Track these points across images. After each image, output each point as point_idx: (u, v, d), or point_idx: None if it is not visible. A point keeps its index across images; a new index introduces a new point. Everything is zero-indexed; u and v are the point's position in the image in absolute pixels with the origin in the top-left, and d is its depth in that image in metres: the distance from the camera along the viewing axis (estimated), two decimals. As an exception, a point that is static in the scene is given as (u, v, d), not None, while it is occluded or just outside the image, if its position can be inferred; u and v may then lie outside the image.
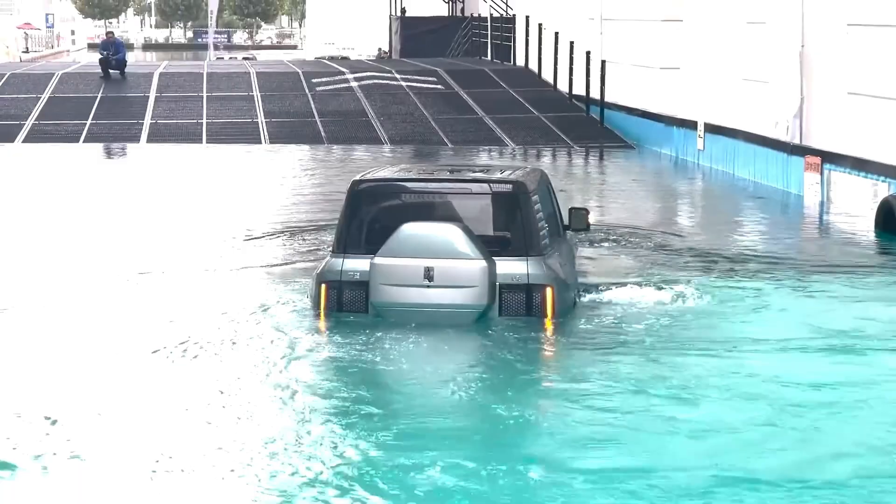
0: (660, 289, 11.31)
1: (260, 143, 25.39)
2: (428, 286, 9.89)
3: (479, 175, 11.13)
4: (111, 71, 30.49)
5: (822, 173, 17.86)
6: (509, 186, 10.43)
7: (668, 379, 8.67)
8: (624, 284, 11.43)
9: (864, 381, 8.77)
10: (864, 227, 15.55)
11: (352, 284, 10.06)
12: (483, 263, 9.86)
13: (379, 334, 9.77)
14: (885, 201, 15.36)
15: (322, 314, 10.22)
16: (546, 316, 10.03)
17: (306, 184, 20.13)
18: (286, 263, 13.11)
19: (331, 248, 10.49)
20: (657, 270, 12.39)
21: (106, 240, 14.66)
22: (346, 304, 10.16)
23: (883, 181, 16.29)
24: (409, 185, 10.65)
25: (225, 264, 13.04)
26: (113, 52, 30.88)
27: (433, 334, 9.79)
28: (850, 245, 14.70)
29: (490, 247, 10.02)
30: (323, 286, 10.17)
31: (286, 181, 20.33)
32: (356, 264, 10.05)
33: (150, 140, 25.46)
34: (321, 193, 18.53)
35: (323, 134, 25.98)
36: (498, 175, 10.91)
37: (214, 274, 12.59)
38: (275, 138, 25.63)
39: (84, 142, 25.23)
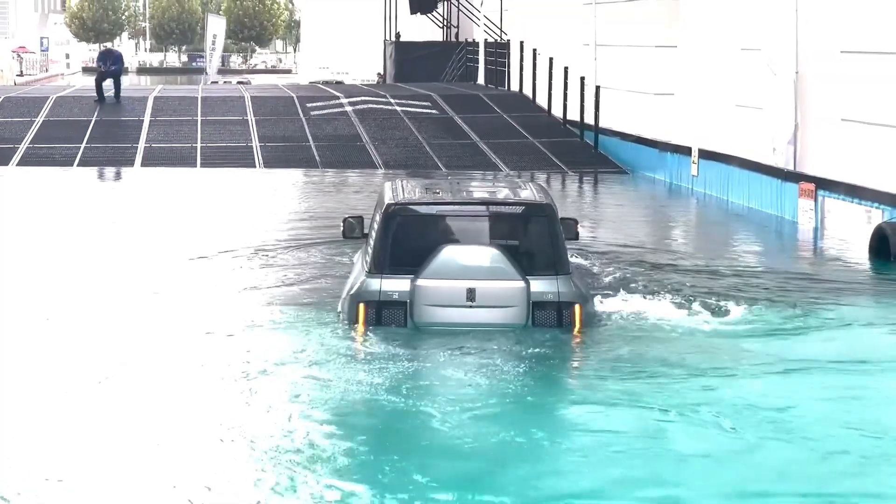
0: (660, 310, 11.54)
1: (254, 167, 25.38)
2: (470, 306, 10.41)
3: (508, 197, 11.54)
4: (106, 95, 30.40)
5: (816, 199, 17.89)
6: (538, 208, 11.02)
7: (694, 404, 8.80)
8: (629, 304, 11.68)
9: (870, 402, 8.97)
10: (858, 253, 15.56)
11: (391, 304, 10.50)
12: (522, 284, 10.43)
13: (413, 351, 10.02)
14: (879, 228, 15.38)
15: (360, 332, 10.56)
16: (574, 331, 10.59)
17: (302, 206, 20.14)
18: (292, 283, 13.23)
19: (366, 269, 10.78)
20: (654, 292, 12.45)
21: (106, 261, 14.73)
22: (385, 324, 10.54)
23: (877, 208, 16.31)
24: (441, 207, 11.11)
25: (233, 284, 13.19)
26: (111, 63, 30.91)
27: (467, 356, 9.95)
28: (844, 271, 14.71)
29: (521, 265, 10.51)
30: (361, 306, 10.56)
31: (281, 204, 20.32)
32: (394, 284, 10.51)
33: (144, 164, 25.43)
34: (316, 216, 18.53)
35: (317, 158, 25.98)
36: (526, 197, 11.40)
37: (226, 293, 12.72)
38: (269, 162, 25.62)
39: (78, 165, 25.20)
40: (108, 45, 32.20)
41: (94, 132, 27.54)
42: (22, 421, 8.58)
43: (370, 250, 10.91)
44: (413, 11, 42.05)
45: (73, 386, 9.40)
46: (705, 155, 22.23)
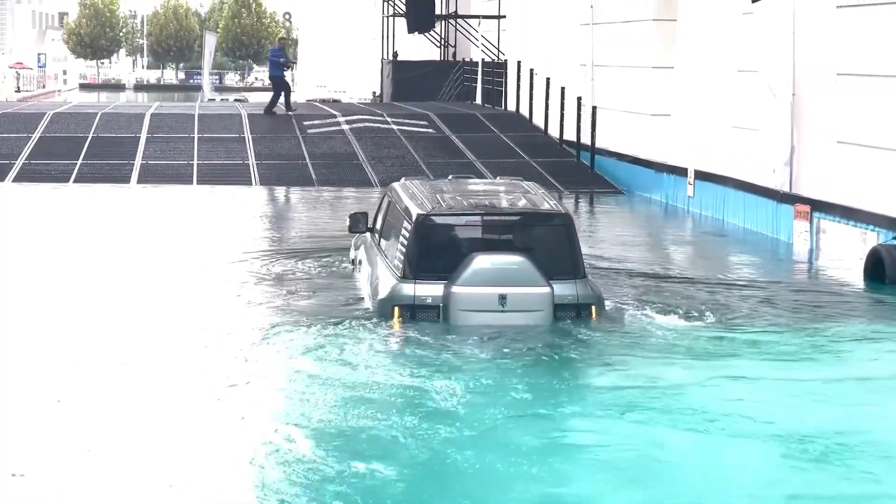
0: (654, 326, 11.88)
1: (251, 184, 25.40)
2: (501, 311, 11.28)
3: (530, 207, 12.32)
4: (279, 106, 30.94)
5: (811, 221, 17.91)
6: (559, 217, 12.06)
7: (692, 416, 9.05)
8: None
9: (862, 417, 9.20)
10: (853, 275, 15.58)
11: (424, 308, 11.40)
12: (548, 289, 11.34)
13: (441, 352, 10.62)
14: (875, 250, 15.40)
15: (396, 330, 11.38)
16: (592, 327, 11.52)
17: (299, 222, 20.20)
18: (304, 290, 13.56)
19: (399, 275, 11.62)
20: (647, 308, 12.67)
21: (105, 271, 14.89)
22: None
23: (872, 230, 16.34)
24: (470, 217, 12.00)
25: (242, 291, 13.53)
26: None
27: (489, 359, 10.44)
28: (838, 292, 14.73)
29: (544, 270, 11.36)
30: (396, 309, 11.45)
31: (279, 219, 20.37)
32: (427, 289, 11.42)
33: (140, 181, 25.43)
34: (314, 231, 18.59)
35: (313, 176, 26.00)
36: (543, 206, 12.27)
37: (236, 300, 13.03)
38: (265, 180, 25.64)
39: (74, 182, 25.20)
40: (283, 37, 31.50)
41: (91, 149, 27.53)
42: (21, 420, 8.62)
43: (399, 255, 11.67)
44: (411, 30, 42.10)
45: (82, 384, 9.54)
46: (701, 176, 22.26)
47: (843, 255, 16.75)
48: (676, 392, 9.64)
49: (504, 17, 37.82)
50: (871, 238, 16.20)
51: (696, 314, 12.48)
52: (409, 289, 11.46)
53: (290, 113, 31.10)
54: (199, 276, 14.63)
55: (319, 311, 12.29)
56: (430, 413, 8.93)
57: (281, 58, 32.18)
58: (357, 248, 14.19)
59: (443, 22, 43.58)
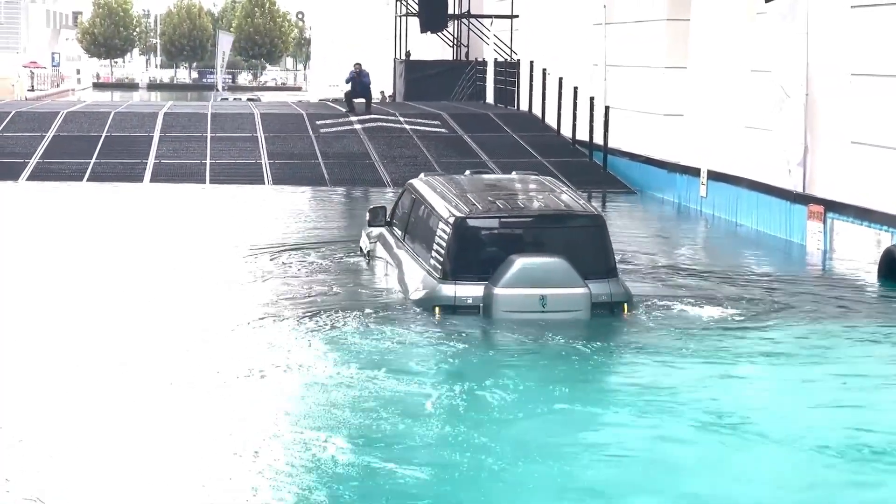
0: (661, 335, 11.72)
1: (263, 183, 25.43)
2: (542, 311, 11.56)
3: (564, 209, 12.57)
4: (356, 101, 31.93)
5: (825, 222, 17.87)
6: (593, 219, 12.40)
7: (699, 415, 9.13)
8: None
9: (875, 416, 9.23)
10: (866, 276, 15.54)
11: (465, 308, 11.69)
12: (586, 290, 11.64)
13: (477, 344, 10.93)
14: (888, 251, 15.36)
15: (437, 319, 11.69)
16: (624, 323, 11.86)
17: (313, 220, 20.22)
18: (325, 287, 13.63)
19: (439, 275, 11.89)
20: (659, 314, 12.61)
21: (113, 269, 14.94)
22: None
23: (886, 230, 16.30)
24: (506, 219, 12.27)
25: (255, 290, 13.58)
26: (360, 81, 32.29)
27: (520, 360, 10.61)
28: (852, 294, 14.68)
29: (579, 270, 11.62)
30: (437, 309, 11.74)
31: (291, 219, 20.39)
32: (467, 290, 11.73)
33: (153, 179, 25.49)
34: (327, 229, 18.62)
35: (326, 176, 26.02)
36: (579, 207, 12.63)
37: (251, 299, 13.06)
38: (278, 179, 25.67)
39: (88, 180, 25.26)
40: (358, 63, 32.85)
41: (104, 148, 27.61)
42: (22, 418, 8.64)
43: (437, 256, 11.91)
44: (423, 30, 42.10)
45: (82, 384, 9.55)
46: (714, 176, 22.23)
47: (857, 255, 16.71)
48: (694, 391, 9.68)
49: (517, 16, 37.81)
50: (885, 239, 16.17)
51: (716, 313, 12.58)
52: (449, 289, 11.76)
53: (347, 111, 31.84)
54: (211, 272, 14.70)
55: (341, 306, 12.37)
56: (444, 414, 8.94)
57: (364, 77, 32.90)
58: (372, 242, 14.31)
59: (455, 21, 43.57)
